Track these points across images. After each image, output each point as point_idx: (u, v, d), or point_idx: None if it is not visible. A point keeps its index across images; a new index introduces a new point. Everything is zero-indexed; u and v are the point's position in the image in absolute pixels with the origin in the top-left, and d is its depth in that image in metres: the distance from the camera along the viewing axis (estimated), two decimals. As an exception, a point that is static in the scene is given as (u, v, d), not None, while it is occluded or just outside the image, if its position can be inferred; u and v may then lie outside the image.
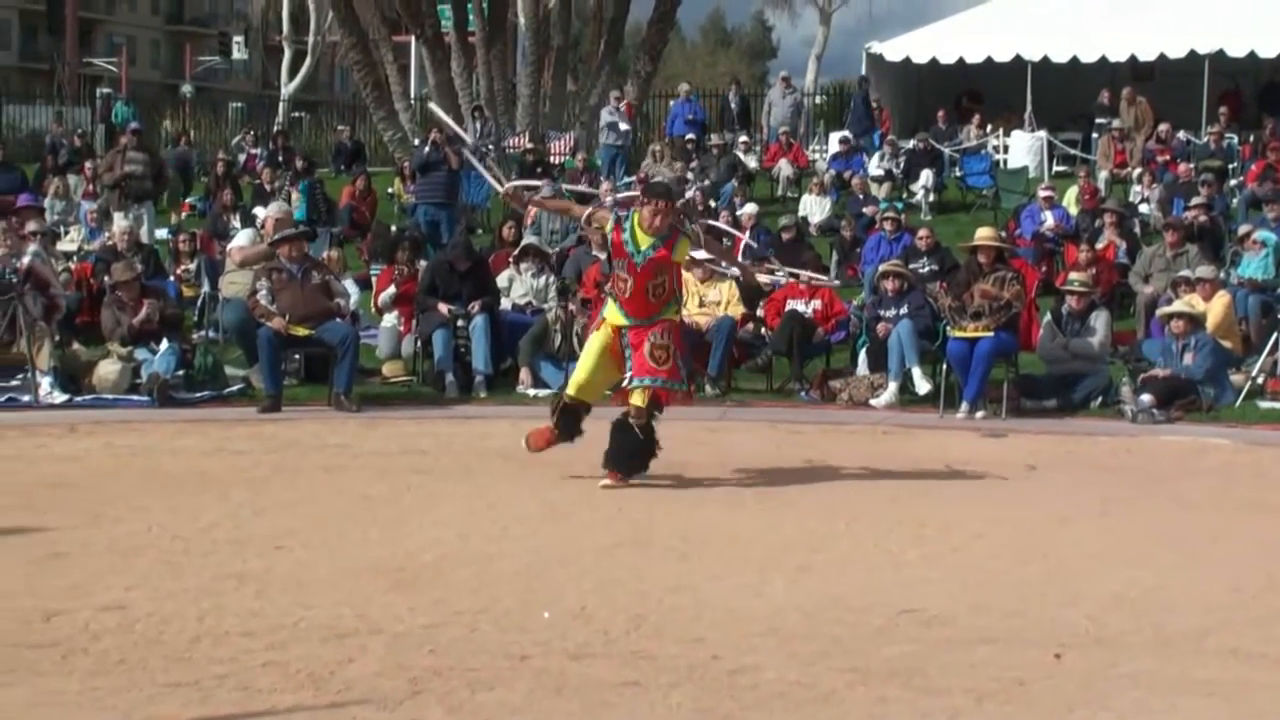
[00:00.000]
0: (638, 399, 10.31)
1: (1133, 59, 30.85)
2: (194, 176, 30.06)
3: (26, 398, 14.54)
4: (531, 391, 15.46)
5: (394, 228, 23.17)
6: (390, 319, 16.88)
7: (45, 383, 14.59)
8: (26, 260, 16.05)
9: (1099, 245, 19.40)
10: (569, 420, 10.65)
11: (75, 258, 19.91)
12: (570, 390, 10.70)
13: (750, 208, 21.86)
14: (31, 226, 18.53)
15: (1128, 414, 14.25)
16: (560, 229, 21.72)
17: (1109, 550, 8.53)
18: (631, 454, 10.37)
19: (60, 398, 14.56)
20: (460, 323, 15.68)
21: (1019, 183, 27.04)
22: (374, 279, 18.77)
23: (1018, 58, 31.16)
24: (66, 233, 22.32)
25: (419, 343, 16.11)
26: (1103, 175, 26.40)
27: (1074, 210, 22.63)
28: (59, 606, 6.83)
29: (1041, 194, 22.79)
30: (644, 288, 10.29)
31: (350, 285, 17.17)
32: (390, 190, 26.81)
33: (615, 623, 6.68)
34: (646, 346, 10.28)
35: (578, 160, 27.77)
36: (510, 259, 17.34)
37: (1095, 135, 29.34)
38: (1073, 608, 7.12)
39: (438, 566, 7.78)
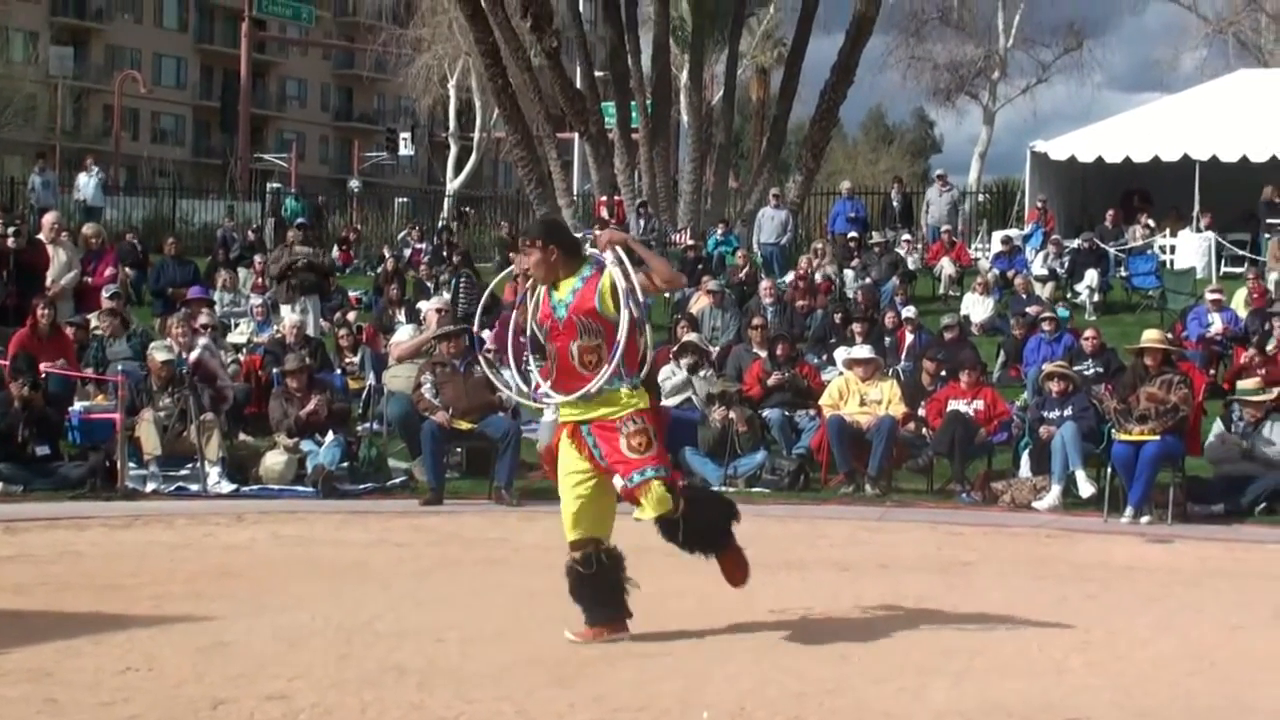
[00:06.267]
0: (651, 505, 8.05)
1: (1304, 158, 30.44)
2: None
3: (195, 487, 14.84)
4: (691, 488, 15.50)
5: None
6: (550, 413, 16.94)
7: (214, 473, 14.89)
8: (195, 353, 16.42)
9: (1269, 348, 19.04)
10: (600, 589, 8.30)
11: (244, 350, 20.28)
12: (572, 533, 8.29)
13: (909, 310, 21.81)
14: (203, 319, 18.93)
15: (1299, 521, 13.97)
16: (721, 326, 21.78)
17: (1280, 661, 8.34)
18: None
19: (228, 487, 14.85)
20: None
21: (1186, 284, 26.66)
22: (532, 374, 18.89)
23: (1185, 157, 30.84)
24: (236, 325, 22.74)
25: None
26: (1273, 277, 25.93)
27: (1243, 312, 22.26)
28: (225, 695, 6.92)
29: (1210, 296, 22.44)
30: (568, 351, 8.11)
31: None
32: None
33: (775, 724, 6.63)
34: (621, 440, 8.04)
35: (739, 257, 27.81)
36: (671, 354, 17.39)
37: (1265, 236, 28.91)
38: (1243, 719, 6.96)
39: (598, 663, 7.77)
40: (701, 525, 8.35)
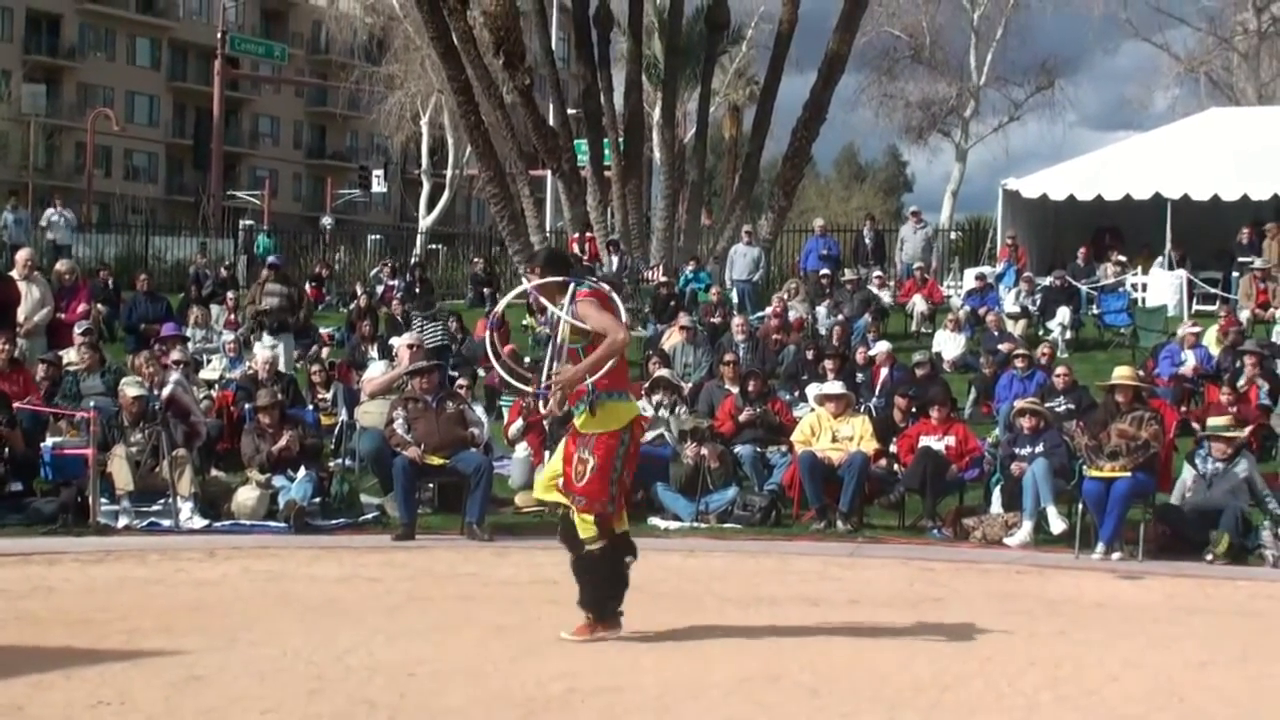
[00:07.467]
0: (577, 521, 9.24)
1: (1276, 198, 30.57)
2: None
3: (167, 523, 14.78)
4: (661, 524, 15.49)
5: (526, 360, 23.30)
6: (522, 449, 16.98)
7: (186, 508, 14.83)
8: (168, 390, 16.39)
9: (1240, 385, 19.10)
10: (611, 578, 9.39)
11: (217, 386, 20.25)
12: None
13: (883, 345, 21.89)
14: (175, 355, 18.91)
15: (1269, 558, 13.99)
16: (694, 362, 21.79)
17: (1248, 697, 8.35)
18: (605, 586, 9.33)
19: (200, 523, 14.78)
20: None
21: (1158, 321, 26.74)
22: (504, 410, 18.93)
23: (1157, 195, 30.96)
24: (208, 361, 22.70)
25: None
26: (1245, 315, 25.98)
27: (1215, 350, 22.26)
28: (196, 730, 6.92)
29: (1188, 331, 22.43)
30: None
31: (482, 414, 17.27)
32: (525, 322, 27.02)
33: (745, 758, 6.63)
34: (575, 458, 9.11)
35: (712, 294, 27.85)
36: (642, 391, 17.40)
37: (1236, 274, 29.02)
38: (1212, 754, 6.98)
39: (567, 698, 7.77)
40: (591, 578, 9.30)
